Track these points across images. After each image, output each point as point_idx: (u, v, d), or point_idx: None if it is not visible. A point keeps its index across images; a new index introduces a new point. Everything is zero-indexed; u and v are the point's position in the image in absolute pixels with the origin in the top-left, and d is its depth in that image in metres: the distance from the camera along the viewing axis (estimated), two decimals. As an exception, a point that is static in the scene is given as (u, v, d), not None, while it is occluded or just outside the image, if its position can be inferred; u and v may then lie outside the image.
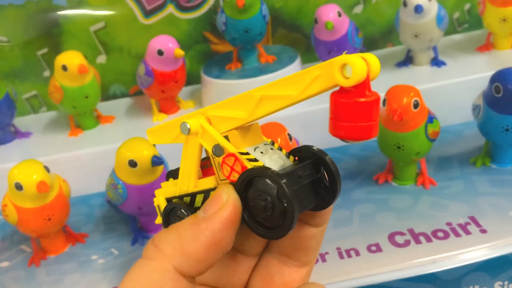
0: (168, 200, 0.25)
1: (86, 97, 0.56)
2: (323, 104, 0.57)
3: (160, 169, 0.42)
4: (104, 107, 0.66)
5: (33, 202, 0.41)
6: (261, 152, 0.22)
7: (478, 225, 0.40)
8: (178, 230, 0.20)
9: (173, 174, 0.26)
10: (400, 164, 0.46)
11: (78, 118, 0.59)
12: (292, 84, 0.20)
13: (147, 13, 0.67)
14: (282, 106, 0.20)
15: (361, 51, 0.63)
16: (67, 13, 0.66)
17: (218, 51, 0.71)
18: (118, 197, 0.42)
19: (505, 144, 0.45)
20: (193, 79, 0.68)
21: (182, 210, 0.24)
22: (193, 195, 0.24)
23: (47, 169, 0.42)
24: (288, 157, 0.23)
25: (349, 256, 0.39)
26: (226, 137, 0.22)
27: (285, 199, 0.20)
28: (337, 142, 0.58)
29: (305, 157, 0.23)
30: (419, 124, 0.42)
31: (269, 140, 0.24)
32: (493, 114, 0.43)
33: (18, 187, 0.40)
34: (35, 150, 0.58)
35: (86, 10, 0.66)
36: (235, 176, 0.21)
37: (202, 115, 0.23)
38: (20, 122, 0.65)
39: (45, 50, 0.67)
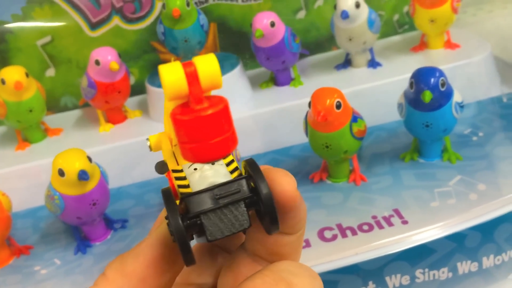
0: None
1: (30, 111, 0.57)
2: (263, 108, 0.59)
3: (95, 179, 0.43)
4: (54, 120, 0.67)
5: (-29, 217, 0.42)
6: (195, 169, 0.20)
7: (400, 216, 0.42)
8: (122, 254, 0.20)
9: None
10: (331, 162, 0.48)
11: (24, 132, 0.60)
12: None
13: (93, 26, 0.68)
14: None
15: (301, 54, 0.66)
16: (12, 29, 0.67)
17: (167, 60, 0.72)
18: (56, 208, 0.43)
19: (428, 139, 0.48)
20: (143, 89, 0.69)
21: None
22: None
23: (-17, 183, 0.42)
24: (234, 171, 0.20)
25: (279, 253, 0.40)
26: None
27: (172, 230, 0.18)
28: (278, 145, 0.60)
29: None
30: (344, 123, 0.44)
31: None
32: (413, 111, 0.46)
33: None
34: (-18, 165, 0.58)
35: (31, 25, 0.67)
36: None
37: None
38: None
39: (-8, 67, 0.68)
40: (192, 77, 0.16)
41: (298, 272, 0.19)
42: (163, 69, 0.16)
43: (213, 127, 0.16)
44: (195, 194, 0.18)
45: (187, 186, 0.19)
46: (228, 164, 0.20)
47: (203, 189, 0.18)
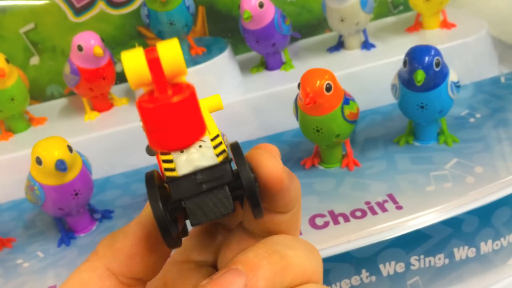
0: None
1: (12, 99, 0.55)
2: (253, 93, 0.57)
3: (76, 169, 0.41)
4: (39, 109, 0.65)
5: None
6: (182, 151, 0.20)
7: (395, 202, 0.41)
8: (114, 231, 0.21)
9: None
10: (323, 147, 0.47)
11: (8, 121, 0.58)
12: None
13: (77, 11, 0.66)
14: None
15: (293, 38, 0.63)
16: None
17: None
18: (36, 199, 0.42)
19: (423, 121, 0.46)
20: (131, 76, 0.67)
21: None
22: None
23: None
24: (221, 153, 0.19)
25: (269, 241, 0.39)
26: None
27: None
28: (270, 131, 0.58)
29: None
30: (335, 106, 0.42)
31: (214, 134, 0.21)
32: (407, 92, 0.44)
33: None
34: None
35: (13, 12, 0.65)
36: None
37: None
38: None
39: (-25, 55, 0.66)
40: (155, 64, 0.16)
41: (293, 244, 0.19)
42: (124, 56, 0.15)
43: (177, 115, 0.16)
44: (178, 178, 0.18)
45: (173, 170, 0.19)
46: (215, 147, 0.19)
47: (187, 173, 0.18)
